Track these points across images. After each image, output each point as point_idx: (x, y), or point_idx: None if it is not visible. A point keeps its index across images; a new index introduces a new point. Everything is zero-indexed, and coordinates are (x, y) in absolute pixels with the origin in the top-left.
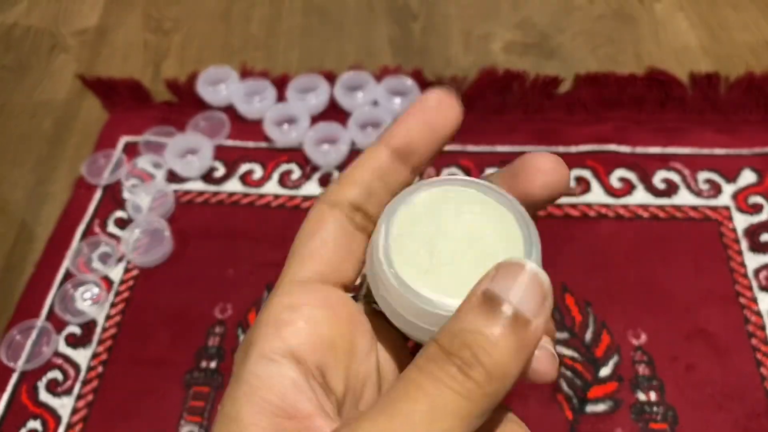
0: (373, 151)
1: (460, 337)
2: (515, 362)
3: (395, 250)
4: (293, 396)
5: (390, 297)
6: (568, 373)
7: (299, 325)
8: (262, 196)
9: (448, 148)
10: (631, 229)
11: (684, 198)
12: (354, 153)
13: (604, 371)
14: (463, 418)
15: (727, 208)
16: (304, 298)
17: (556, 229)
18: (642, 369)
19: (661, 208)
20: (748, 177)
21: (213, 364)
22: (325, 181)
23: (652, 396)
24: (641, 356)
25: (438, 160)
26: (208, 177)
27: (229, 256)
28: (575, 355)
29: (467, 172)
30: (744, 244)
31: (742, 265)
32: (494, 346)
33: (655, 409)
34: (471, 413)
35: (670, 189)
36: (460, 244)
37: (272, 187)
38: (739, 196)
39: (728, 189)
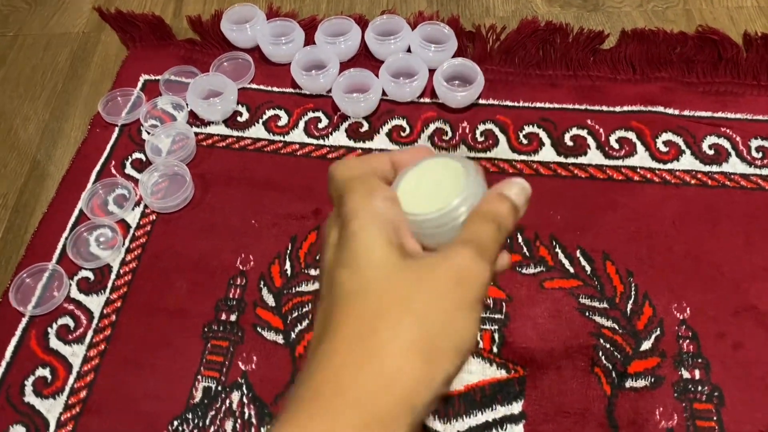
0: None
1: (486, 207)
2: (511, 217)
3: (401, 194)
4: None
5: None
6: (607, 345)
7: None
8: (287, 144)
9: (484, 101)
10: (678, 196)
11: (734, 166)
12: (385, 103)
13: (646, 345)
14: (493, 234)
15: None
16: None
17: (598, 192)
18: (686, 345)
19: (709, 175)
20: None
21: (233, 317)
22: (354, 131)
23: (697, 374)
24: (686, 331)
25: (475, 115)
26: (231, 121)
27: (252, 206)
28: (615, 326)
29: (504, 128)
30: None
31: None
32: (502, 210)
33: (699, 388)
34: (495, 235)
35: (720, 155)
36: (430, 188)
37: (298, 135)
38: None
39: None
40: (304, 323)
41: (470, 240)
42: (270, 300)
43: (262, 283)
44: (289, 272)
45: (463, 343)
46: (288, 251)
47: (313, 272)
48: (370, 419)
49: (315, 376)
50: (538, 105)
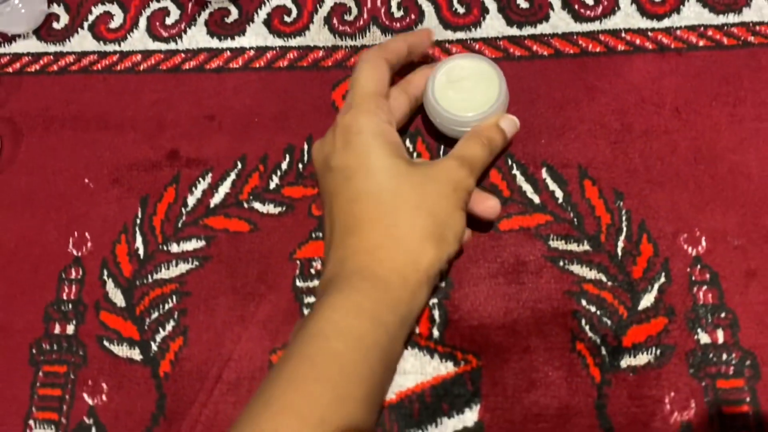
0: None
1: (484, 133)
2: (500, 144)
3: (438, 93)
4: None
5: (436, 113)
6: (592, 308)
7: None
8: (125, 55)
9: None
10: (681, 69)
11: (761, 11)
12: None
13: (647, 300)
14: (484, 156)
15: None
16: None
17: (569, 76)
18: (703, 294)
19: (724, 30)
20: None
21: (70, 328)
22: (217, 24)
23: (720, 336)
24: (701, 273)
25: None
26: (44, 30)
27: (83, 158)
28: (601, 277)
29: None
30: None
31: None
32: (496, 138)
33: (725, 356)
34: (486, 157)
35: None
36: (464, 92)
37: (140, 40)
38: None
39: None
40: (169, 327)
41: (465, 157)
42: (118, 298)
43: (105, 272)
44: (141, 252)
45: (460, 233)
46: (138, 220)
47: (175, 248)
48: (408, 285)
49: (355, 257)
50: None
